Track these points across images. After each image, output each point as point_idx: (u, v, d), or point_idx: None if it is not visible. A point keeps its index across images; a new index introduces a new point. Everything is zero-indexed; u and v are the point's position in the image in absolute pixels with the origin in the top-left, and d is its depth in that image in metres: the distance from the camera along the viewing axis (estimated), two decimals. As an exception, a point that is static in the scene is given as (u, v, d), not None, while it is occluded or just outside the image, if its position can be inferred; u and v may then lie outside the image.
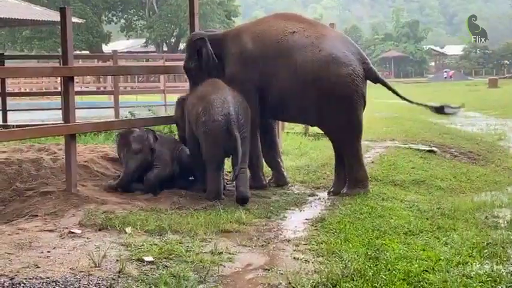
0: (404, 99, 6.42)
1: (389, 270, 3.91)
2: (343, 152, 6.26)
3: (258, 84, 6.23)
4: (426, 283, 3.75)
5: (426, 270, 3.94)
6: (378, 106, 18.19)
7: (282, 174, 6.76)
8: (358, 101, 6.06)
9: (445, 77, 53.47)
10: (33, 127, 6.83)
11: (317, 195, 6.33)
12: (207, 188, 6.01)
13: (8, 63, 13.51)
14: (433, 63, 69.19)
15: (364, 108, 6.25)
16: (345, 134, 6.15)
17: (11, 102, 13.17)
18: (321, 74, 5.97)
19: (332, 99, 5.99)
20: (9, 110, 12.01)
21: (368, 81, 6.29)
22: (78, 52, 33.41)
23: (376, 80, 6.34)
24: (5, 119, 11.53)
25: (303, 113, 6.25)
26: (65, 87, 6.16)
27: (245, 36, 6.34)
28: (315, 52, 6.02)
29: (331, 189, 6.36)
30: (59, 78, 19.39)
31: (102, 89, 21.27)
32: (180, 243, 4.43)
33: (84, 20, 33.57)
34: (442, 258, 4.19)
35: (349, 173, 6.22)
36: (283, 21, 6.33)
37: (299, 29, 6.19)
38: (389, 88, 6.45)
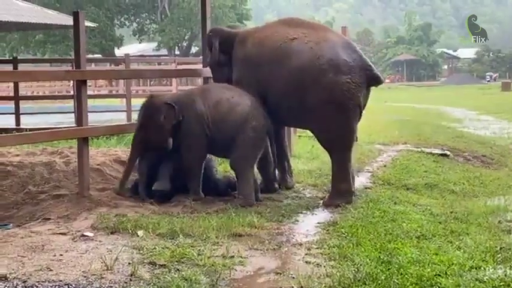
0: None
1: (401, 274, 3.89)
2: (331, 160, 6.20)
3: (260, 88, 6.24)
4: (439, 287, 3.72)
5: (439, 275, 3.91)
6: (390, 109, 18.15)
7: (285, 178, 6.72)
8: (352, 110, 5.98)
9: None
10: (46, 130, 6.87)
11: (329, 199, 6.29)
12: (243, 191, 5.93)
13: (21, 67, 13.56)
14: (445, 67, 68.87)
15: (359, 119, 6.16)
16: (334, 143, 6.08)
17: (23, 105, 13.23)
18: (318, 80, 5.91)
19: (326, 107, 5.92)
20: (22, 114, 12.08)
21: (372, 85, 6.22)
22: (90, 56, 33.57)
23: (378, 83, 6.20)
24: (18, 123, 11.60)
25: (298, 118, 6.25)
26: (78, 90, 6.20)
27: (249, 41, 6.38)
28: (313, 59, 5.96)
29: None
30: (72, 82, 19.50)
31: (114, 92, 21.32)
32: (192, 246, 4.43)
33: (97, 24, 33.76)
34: (455, 262, 4.16)
35: (333, 183, 6.16)
36: (286, 27, 6.30)
37: (300, 35, 6.13)
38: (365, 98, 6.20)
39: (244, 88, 6.21)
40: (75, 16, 6.03)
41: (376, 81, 6.12)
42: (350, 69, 5.92)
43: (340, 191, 6.04)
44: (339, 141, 6.04)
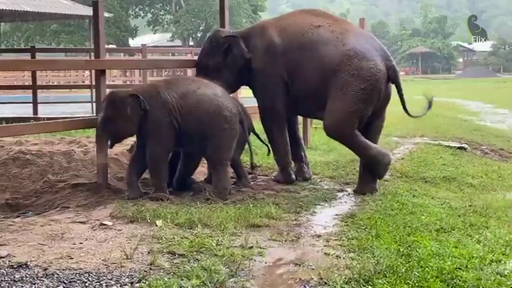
0: (405, 109, 6.29)
1: (421, 267, 3.86)
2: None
3: (285, 77, 6.26)
4: (460, 280, 3.69)
5: (459, 268, 3.88)
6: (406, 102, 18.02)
7: (301, 168, 6.71)
8: (372, 96, 5.96)
9: None
10: (66, 120, 6.89)
11: (346, 191, 6.28)
12: (220, 185, 5.77)
13: (37, 56, 13.58)
14: (461, 60, 68.43)
15: (382, 105, 6.14)
16: (341, 124, 6.03)
17: (40, 95, 13.25)
18: (343, 67, 5.94)
19: (347, 91, 5.93)
20: (40, 103, 12.13)
21: None
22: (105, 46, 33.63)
23: (395, 80, 6.15)
24: (35, 112, 11.66)
25: (321, 106, 6.18)
26: (97, 80, 6.20)
27: (271, 29, 6.39)
28: (338, 46, 6.02)
29: (355, 189, 6.30)
30: (86, 72, 19.53)
31: (128, 82, 21.35)
32: (210, 236, 4.42)
33: (112, 14, 33.83)
34: (475, 255, 4.13)
35: (369, 167, 6.16)
36: (308, 16, 6.38)
37: (325, 24, 6.22)
38: (399, 93, 6.21)
39: (268, 77, 6.25)
40: (95, 6, 6.05)
41: (392, 70, 6.09)
42: (373, 56, 5.98)
43: (376, 158, 6.05)
44: (345, 125, 6.00)
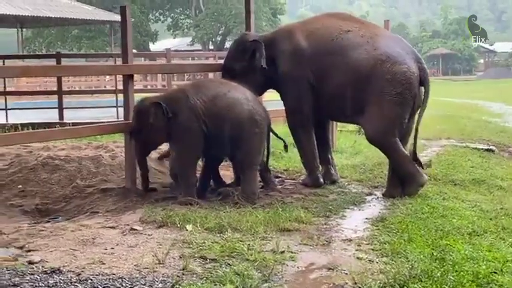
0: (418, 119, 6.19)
1: (456, 271, 3.81)
2: (386, 155, 6.18)
3: (312, 81, 6.22)
4: (496, 285, 3.65)
5: (495, 272, 3.83)
6: (429, 103, 17.90)
7: (329, 171, 6.67)
8: (408, 100, 5.93)
9: None
10: (94, 125, 6.93)
11: (375, 195, 6.23)
12: (248, 189, 5.74)
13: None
14: (482, 61, 67.80)
15: (415, 110, 6.11)
16: (386, 135, 6.00)
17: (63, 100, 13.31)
18: (376, 72, 5.90)
19: (383, 97, 5.89)
20: (66, 108, 12.17)
21: None
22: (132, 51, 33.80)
23: (425, 82, 6.08)
24: (61, 117, 11.73)
25: (355, 111, 6.14)
26: (125, 85, 6.22)
27: (298, 33, 6.35)
28: (370, 51, 5.98)
29: (384, 192, 6.24)
30: (107, 77, 19.64)
31: (149, 87, 21.42)
32: (240, 241, 4.40)
33: (133, 19, 33.98)
34: (509, 259, 4.08)
35: (398, 173, 6.09)
36: (336, 20, 6.34)
37: (354, 28, 6.19)
38: (426, 95, 6.11)
39: (295, 81, 6.22)
40: (123, 11, 6.08)
41: (423, 72, 6.05)
42: (406, 60, 5.94)
43: (413, 176, 6.00)
44: (389, 133, 5.97)
